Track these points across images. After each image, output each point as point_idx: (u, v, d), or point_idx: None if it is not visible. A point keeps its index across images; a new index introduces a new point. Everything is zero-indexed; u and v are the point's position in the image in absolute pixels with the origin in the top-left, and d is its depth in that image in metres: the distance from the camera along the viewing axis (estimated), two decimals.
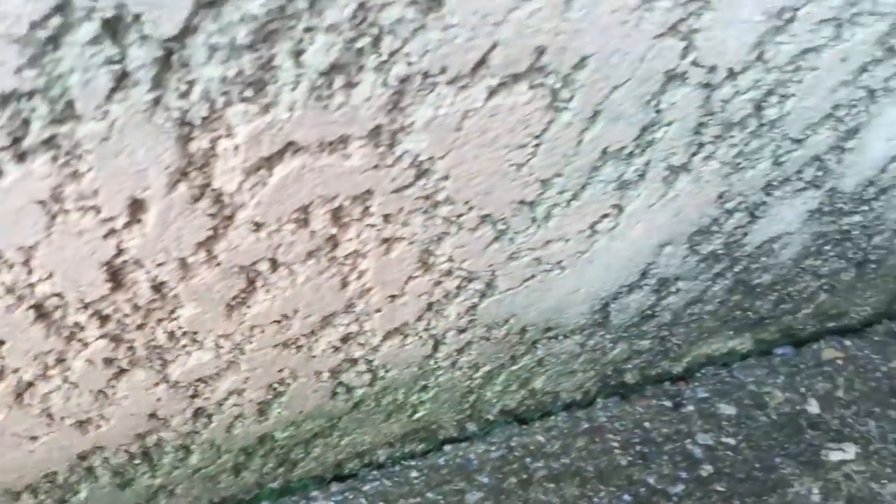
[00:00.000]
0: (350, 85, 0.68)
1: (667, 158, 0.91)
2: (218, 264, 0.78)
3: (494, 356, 1.09)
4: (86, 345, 0.80)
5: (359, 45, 0.65)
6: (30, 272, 0.70)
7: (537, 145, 0.83)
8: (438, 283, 0.93)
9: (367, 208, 0.81)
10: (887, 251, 1.21)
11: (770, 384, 1.31)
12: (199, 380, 0.90)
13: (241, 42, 0.61)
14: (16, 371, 0.79)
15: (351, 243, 0.84)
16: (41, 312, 0.75)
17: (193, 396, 0.91)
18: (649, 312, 1.14)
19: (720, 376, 1.32)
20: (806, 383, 1.31)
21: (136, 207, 0.69)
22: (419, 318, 0.97)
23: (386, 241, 0.85)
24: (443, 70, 0.70)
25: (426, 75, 0.70)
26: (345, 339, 0.94)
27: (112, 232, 0.70)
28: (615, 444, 1.24)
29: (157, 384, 0.87)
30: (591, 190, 0.91)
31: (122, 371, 0.84)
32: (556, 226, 0.93)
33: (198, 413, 0.94)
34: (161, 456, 0.98)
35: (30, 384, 0.81)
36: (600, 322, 1.11)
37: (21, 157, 0.62)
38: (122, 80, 0.60)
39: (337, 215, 0.80)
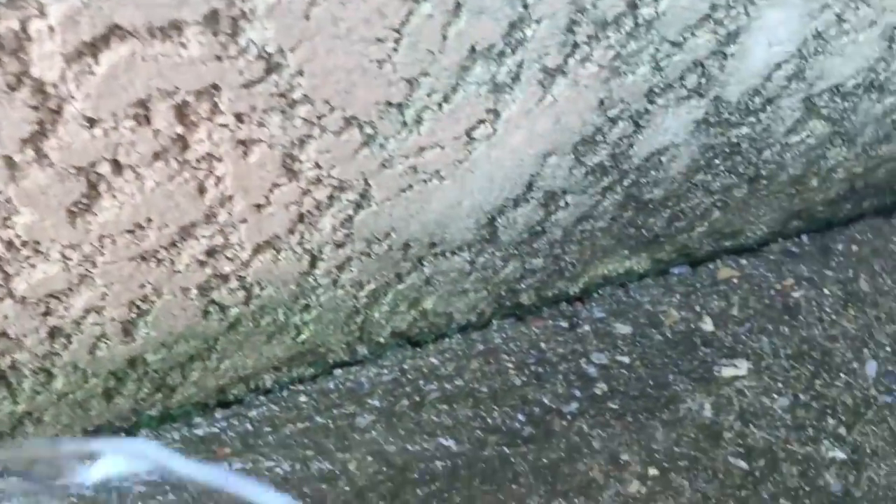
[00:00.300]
0: None
1: (540, 59, 0.88)
2: (50, 165, 0.73)
3: (378, 274, 1.06)
4: None
5: None
6: None
7: (398, 40, 0.79)
8: (307, 192, 0.89)
9: (215, 105, 0.76)
10: (778, 166, 1.21)
11: (666, 303, 1.31)
12: (49, 295, 0.85)
13: None
14: None
15: (202, 145, 0.79)
16: None
17: (46, 314, 0.87)
18: (539, 229, 1.12)
19: (617, 296, 1.31)
20: (701, 302, 1.32)
21: None
22: (291, 231, 0.93)
23: (242, 143, 0.81)
24: None
25: None
26: (210, 252, 0.90)
27: None
28: (510, 365, 1.23)
29: (1, 299, 0.82)
30: (462, 92, 0.88)
31: None
32: (430, 131, 0.90)
33: (54, 332, 0.89)
34: (20, 380, 0.93)
35: None
36: (488, 238, 1.09)
37: None
38: None
39: (182, 112, 0.75)
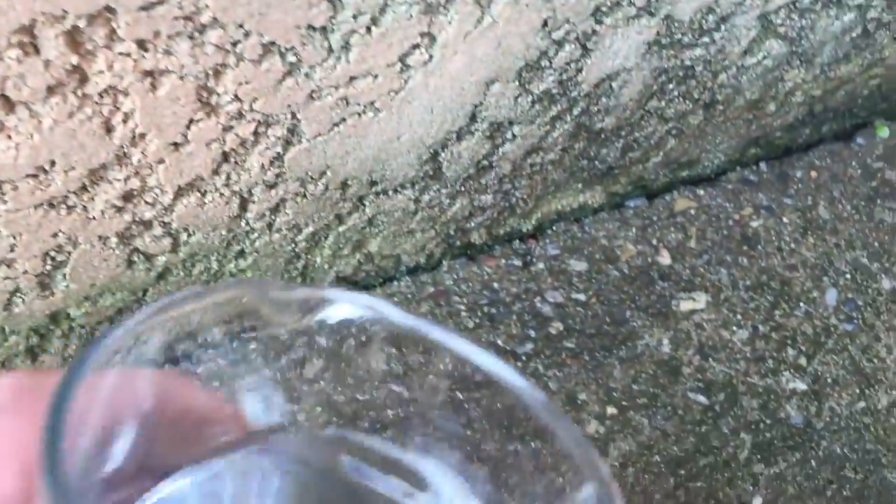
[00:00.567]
0: None
1: None
2: None
3: (316, 215, 1.00)
4: None
5: None
6: None
7: None
8: (229, 128, 0.83)
9: (112, 31, 0.69)
10: (734, 90, 1.16)
11: (622, 237, 1.27)
12: None
13: None
14: None
15: (103, 77, 0.72)
16: None
17: None
18: (486, 163, 1.06)
19: (572, 232, 1.27)
20: (658, 235, 1.27)
21: None
22: (215, 172, 0.87)
23: (149, 73, 0.74)
24: None
25: None
26: (126, 196, 0.83)
27: None
28: (462, 307, 1.19)
29: None
30: (392, 14, 0.81)
31: None
32: (359, 58, 0.83)
33: None
34: None
35: None
36: (432, 174, 1.03)
37: None
38: None
39: (75, 40, 0.68)
